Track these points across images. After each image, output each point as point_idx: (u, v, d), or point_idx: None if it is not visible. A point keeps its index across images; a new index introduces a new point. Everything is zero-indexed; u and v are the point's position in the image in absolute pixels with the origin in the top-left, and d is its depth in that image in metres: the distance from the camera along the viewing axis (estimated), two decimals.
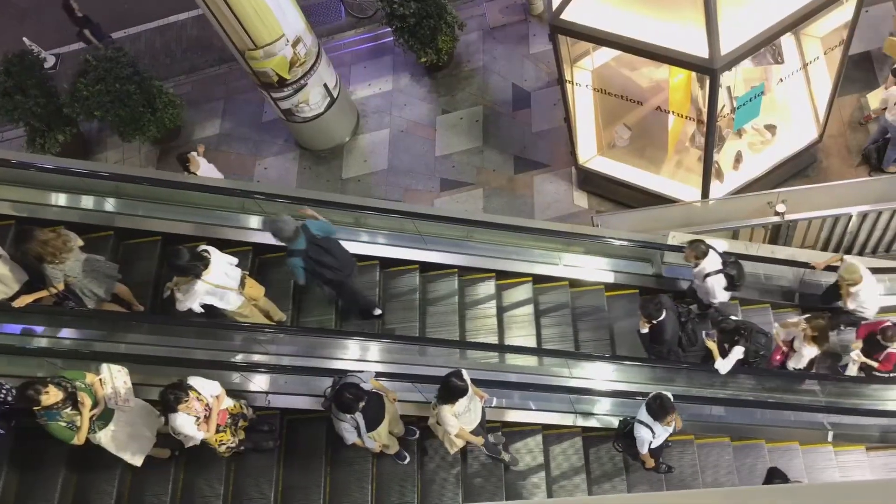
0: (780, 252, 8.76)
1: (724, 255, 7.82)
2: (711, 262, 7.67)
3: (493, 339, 8.35)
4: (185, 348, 7.46)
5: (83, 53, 12.16)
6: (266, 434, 7.48)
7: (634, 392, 7.99)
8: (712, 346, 7.59)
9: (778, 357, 8.04)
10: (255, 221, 8.47)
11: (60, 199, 8.27)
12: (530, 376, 8.05)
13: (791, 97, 10.12)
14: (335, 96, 11.44)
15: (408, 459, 7.54)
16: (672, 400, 6.67)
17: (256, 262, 8.32)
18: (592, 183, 10.76)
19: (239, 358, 7.67)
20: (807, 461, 8.23)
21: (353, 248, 8.06)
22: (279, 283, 8.14)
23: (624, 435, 7.24)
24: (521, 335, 8.47)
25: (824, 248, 9.49)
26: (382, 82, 12.61)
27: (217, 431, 6.57)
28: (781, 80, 9.22)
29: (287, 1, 10.05)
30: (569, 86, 9.20)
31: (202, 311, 7.05)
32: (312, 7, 13.35)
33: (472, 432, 6.76)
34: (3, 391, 6.53)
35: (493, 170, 11.44)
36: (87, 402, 6.19)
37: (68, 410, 6.11)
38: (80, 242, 7.22)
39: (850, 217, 9.00)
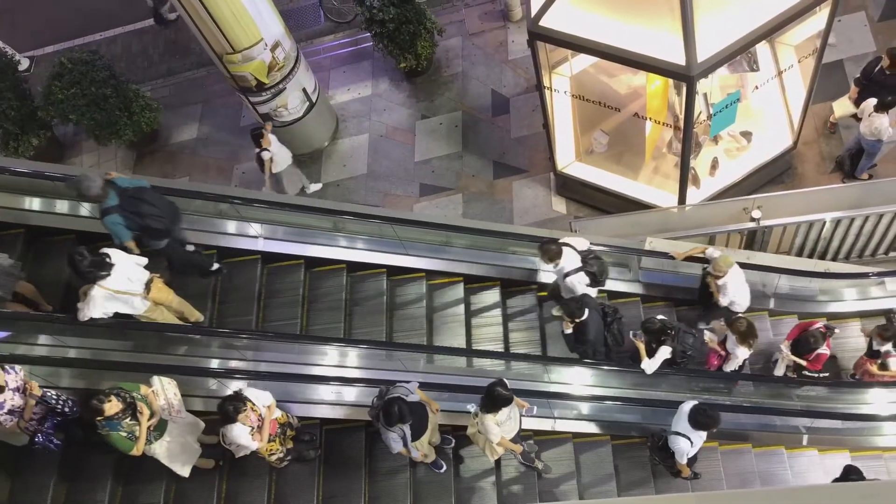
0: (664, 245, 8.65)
1: (585, 252, 7.67)
2: (570, 261, 7.51)
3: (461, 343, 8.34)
4: (100, 350, 7.31)
5: (58, 56, 12.02)
6: (307, 444, 7.49)
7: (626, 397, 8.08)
8: (640, 346, 7.53)
9: (715, 361, 8.10)
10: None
11: None
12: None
13: (766, 104, 10.23)
14: (314, 101, 11.40)
15: (444, 468, 7.56)
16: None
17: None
18: (571, 188, 10.81)
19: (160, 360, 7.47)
20: (825, 466, 8.21)
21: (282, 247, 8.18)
22: (198, 281, 7.97)
23: (659, 448, 7.29)
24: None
25: (799, 254, 9.60)
26: (362, 87, 12.60)
27: (268, 441, 6.60)
28: (757, 87, 9.32)
29: (266, 5, 10.01)
30: (547, 92, 9.24)
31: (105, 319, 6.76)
32: (291, 11, 13.33)
33: (511, 440, 6.84)
34: (60, 402, 6.50)
35: (472, 175, 11.46)
36: (146, 411, 6.24)
37: (128, 420, 6.15)
38: None
39: (824, 223, 9.11)
